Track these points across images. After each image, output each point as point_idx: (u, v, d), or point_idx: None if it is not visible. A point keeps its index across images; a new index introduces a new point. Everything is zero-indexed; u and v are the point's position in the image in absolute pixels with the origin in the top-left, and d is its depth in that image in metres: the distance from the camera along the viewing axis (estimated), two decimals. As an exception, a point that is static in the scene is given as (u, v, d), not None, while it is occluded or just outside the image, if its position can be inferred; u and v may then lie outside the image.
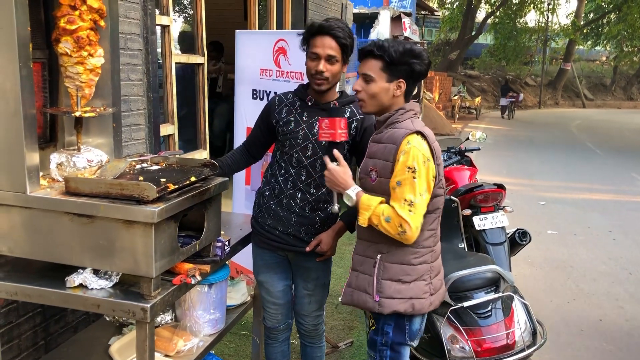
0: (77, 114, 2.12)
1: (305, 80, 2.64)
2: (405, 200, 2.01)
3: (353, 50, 2.47)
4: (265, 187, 2.61)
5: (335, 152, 2.22)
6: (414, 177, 2.01)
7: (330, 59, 2.38)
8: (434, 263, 2.21)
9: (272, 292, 2.69)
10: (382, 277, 2.15)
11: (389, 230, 2.04)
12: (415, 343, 2.27)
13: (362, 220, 2.09)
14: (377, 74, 2.14)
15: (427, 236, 2.16)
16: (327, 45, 2.37)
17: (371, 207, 2.06)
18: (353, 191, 2.14)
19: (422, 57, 2.14)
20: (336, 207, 2.30)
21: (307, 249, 2.52)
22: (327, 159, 2.22)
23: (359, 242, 2.26)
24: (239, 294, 2.79)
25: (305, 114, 2.50)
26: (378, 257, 2.16)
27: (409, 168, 2.01)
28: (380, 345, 2.23)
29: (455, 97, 22.09)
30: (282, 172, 2.53)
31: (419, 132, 2.08)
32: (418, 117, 2.21)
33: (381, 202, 2.08)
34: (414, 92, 2.29)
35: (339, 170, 2.18)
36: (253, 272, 2.77)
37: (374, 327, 2.25)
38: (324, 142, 2.34)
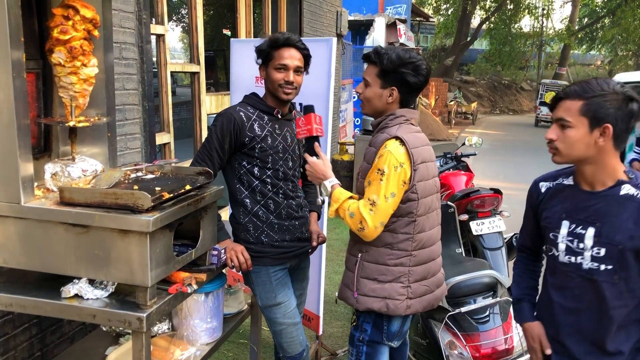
0: (71, 123, 2.12)
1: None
2: (369, 199, 2.11)
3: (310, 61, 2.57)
4: (255, 207, 2.51)
5: (316, 145, 2.30)
6: (380, 180, 2.09)
7: (297, 70, 2.47)
8: (414, 267, 2.22)
9: (288, 312, 2.55)
10: (360, 275, 2.25)
11: (351, 225, 2.16)
12: (394, 344, 2.31)
13: (330, 211, 2.22)
14: (373, 80, 2.24)
15: (401, 239, 2.19)
16: (295, 57, 2.45)
17: (339, 201, 2.19)
18: (330, 182, 2.25)
19: (419, 68, 2.17)
20: (320, 199, 2.35)
21: (314, 243, 2.65)
22: (306, 155, 2.31)
23: (349, 240, 2.37)
24: (236, 302, 2.78)
25: (276, 126, 2.51)
26: (359, 256, 2.26)
27: (378, 170, 2.10)
28: (358, 340, 2.31)
29: (452, 103, 22.13)
30: (269, 187, 2.50)
31: (397, 138, 2.12)
32: (409, 123, 2.23)
33: (351, 197, 2.20)
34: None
35: (319, 162, 2.28)
36: (262, 299, 2.56)
37: (354, 323, 2.33)
38: (302, 140, 2.41)
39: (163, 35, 4.01)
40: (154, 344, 2.28)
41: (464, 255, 3.87)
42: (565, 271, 1.90)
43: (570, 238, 1.87)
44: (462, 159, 5.49)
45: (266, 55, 2.46)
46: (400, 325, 2.29)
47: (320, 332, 3.58)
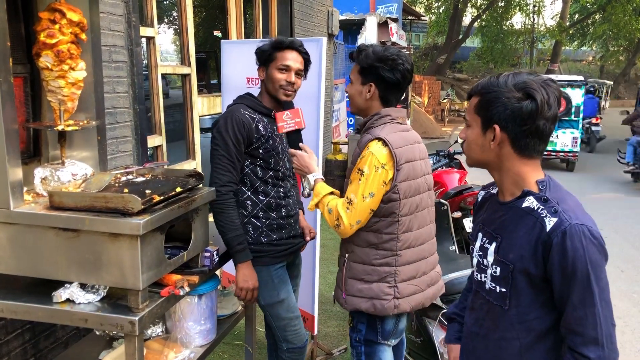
0: (60, 127, 2.11)
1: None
2: (347, 198, 2.13)
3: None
4: (256, 208, 2.54)
5: (302, 144, 2.35)
6: (359, 179, 2.10)
7: (298, 73, 2.52)
8: (401, 267, 2.20)
9: (291, 307, 2.63)
10: (347, 275, 2.26)
11: (328, 221, 2.18)
12: (391, 342, 2.30)
13: (310, 205, 2.25)
14: (355, 77, 2.27)
15: (385, 239, 2.18)
16: (297, 60, 2.50)
17: (320, 195, 2.22)
18: (313, 176, 2.29)
19: (395, 64, 2.16)
20: (307, 191, 2.37)
21: (308, 239, 2.76)
22: (291, 150, 2.37)
23: (341, 240, 2.36)
24: (230, 303, 2.78)
25: (274, 127, 2.52)
26: (346, 256, 2.27)
27: (359, 170, 2.12)
28: (355, 341, 2.32)
29: (445, 101, 22.22)
30: (270, 187, 2.54)
31: (380, 139, 2.12)
32: (395, 122, 2.22)
33: (331, 193, 2.23)
34: (402, 98, 2.33)
35: (304, 155, 2.32)
36: (265, 298, 2.59)
37: (351, 325, 2.34)
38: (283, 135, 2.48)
39: (153, 37, 3.99)
40: (147, 347, 2.27)
41: (457, 252, 3.88)
42: (476, 290, 1.68)
43: (480, 252, 1.64)
44: (455, 156, 5.51)
45: (268, 56, 2.48)
46: (394, 324, 2.27)
47: (316, 332, 3.57)
